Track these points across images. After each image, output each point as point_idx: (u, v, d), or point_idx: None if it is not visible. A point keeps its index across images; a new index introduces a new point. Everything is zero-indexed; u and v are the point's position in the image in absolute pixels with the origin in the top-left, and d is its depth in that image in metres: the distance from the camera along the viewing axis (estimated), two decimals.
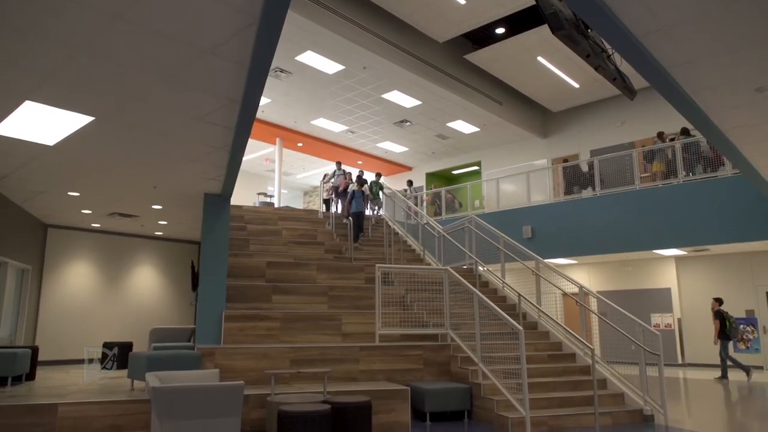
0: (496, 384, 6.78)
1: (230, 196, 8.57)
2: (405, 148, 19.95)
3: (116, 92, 5.16)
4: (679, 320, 14.57)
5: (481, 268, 10.88)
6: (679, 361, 14.22)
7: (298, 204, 25.35)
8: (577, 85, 16.17)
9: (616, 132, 16.81)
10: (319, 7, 11.30)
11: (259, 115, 16.06)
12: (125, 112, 5.62)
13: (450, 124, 17.39)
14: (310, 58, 12.78)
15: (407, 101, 15.37)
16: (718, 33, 4.25)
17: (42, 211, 11.02)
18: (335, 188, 15.30)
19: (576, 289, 8.78)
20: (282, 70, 13.40)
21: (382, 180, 16.20)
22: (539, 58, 14.55)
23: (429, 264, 11.75)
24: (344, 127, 17.67)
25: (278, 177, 18.50)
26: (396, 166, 21.89)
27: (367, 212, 14.21)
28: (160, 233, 13.87)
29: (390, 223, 12.66)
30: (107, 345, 10.46)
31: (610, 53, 6.53)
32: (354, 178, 14.57)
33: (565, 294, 9.14)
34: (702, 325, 13.88)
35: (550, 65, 14.89)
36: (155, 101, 5.37)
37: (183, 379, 5.52)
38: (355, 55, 12.68)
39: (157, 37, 4.23)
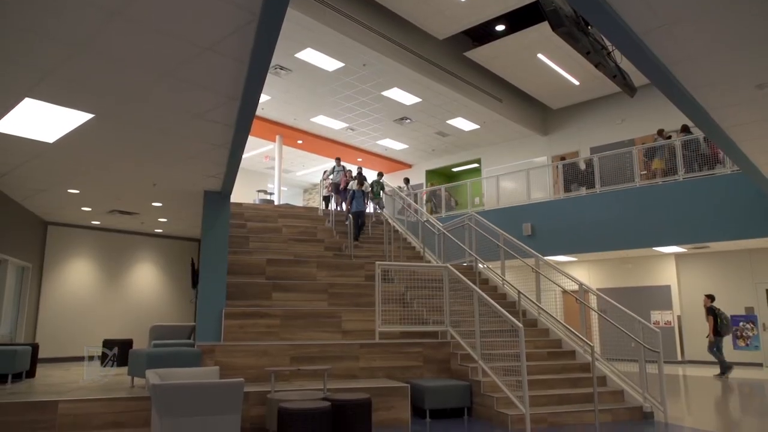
0: (496, 381, 6.79)
1: (230, 194, 8.56)
2: (405, 146, 19.93)
3: (116, 90, 5.16)
4: (679, 317, 14.58)
5: (481, 265, 10.88)
6: (679, 359, 14.23)
7: (298, 201, 25.35)
8: (577, 83, 16.15)
9: (616, 129, 16.80)
10: (319, 5, 11.28)
11: (258, 112, 16.04)
12: (125, 109, 5.61)
13: (450, 122, 17.37)
14: (309, 55, 12.76)
15: (407, 98, 15.35)
16: (719, 30, 4.24)
17: (42, 208, 11.02)
18: (335, 185, 15.27)
19: (576, 287, 8.78)
20: (282, 68, 13.38)
21: (383, 179, 16.11)
22: (539, 56, 14.53)
23: (429, 261, 11.75)
24: (344, 125, 17.66)
25: (278, 174, 18.49)
26: (396, 164, 21.87)
27: (369, 210, 14.14)
28: (160, 230, 13.88)
29: (390, 221, 12.65)
30: (107, 343, 10.46)
31: (611, 50, 6.53)
32: (354, 176, 14.47)
33: (564, 291, 9.14)
34: (702, 322, 13.81)
35: (551, 62, 14.87)
36: (155, 99, 5.36)
37: (183, 377, 5.53)
38: (355, 53, 12.66)
39: (157, 34, 4.22)
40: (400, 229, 13.32)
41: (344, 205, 14.60)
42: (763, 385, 10.12)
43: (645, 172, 12.62)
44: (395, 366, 7.81)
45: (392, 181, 20.16)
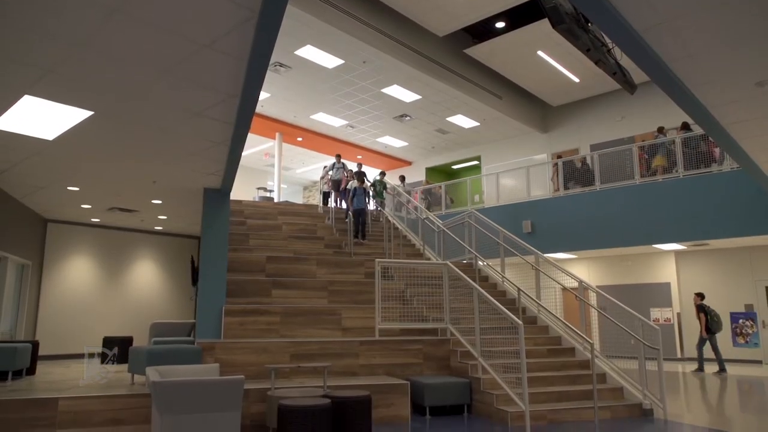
0: (496, 378, 6.80)
1: (230, 191, 8.56)
2: (405, 143, 19.92)
3: (115, 87, 5.15)
4: (679, 315, 14.59)
5: (480, 262, 10.88)
6: (678, 356, 14.25)
7: (298, 199, 25.35)
8: (577, 80, 16.14)
9: (616, 126, 16.78)
10: (318, 1, 11.26)
11: (258, 109, 16.03)
12: (125, 107, 5.60)
13: (450, 119, 17.36)
14: (309, 52, 12.74)
15: (407, 96, 15.34)
16: (719, 27, 4.24)
17: (42, 206, 11.02)
18: (335, 182, 15.24)
19: (575, 284, 8.79)
20: (281, 65, 13.36)
21: (386, 179, 16.02)
22: (539, 53, 14.51)
23: (429, 259, 11.76)
24: (344, 122, 17.64)
25: (278, 172, 18.48)
26: (396, 161, 21.85)
27: (371, 207, 14.06)
28: (160, 228, 13.88)
29: (390, 218, 12.64)
30: (108, 341, 10.46)
31: (611, 47, 6.51)
32: (354, 174, 14.43)
33: (564, 288, 9.15)
34: None
35: (550, 59, 14.85)
36: (154, 96, 5.36)
37: (183, 374, 5.53)
38: (355, 50, 12.65)
39: (157, 31, 4.22)
40: (399, 227, 13.32)
41: (344, 203, 14.57)
42: (762, 382, 10.14)
43: (642, 169, 12.62)
44: (395, 363, 7.82)
45: (390, 179, 20.14)
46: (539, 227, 13.85)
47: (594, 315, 8.53)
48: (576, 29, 5.62)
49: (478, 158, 20.28)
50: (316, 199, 20.44)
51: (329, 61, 13.18)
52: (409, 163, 22.27)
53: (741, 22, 4.16)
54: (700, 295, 12.06)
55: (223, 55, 4.57)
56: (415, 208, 13.39)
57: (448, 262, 8.87)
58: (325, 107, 16.37)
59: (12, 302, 11.28)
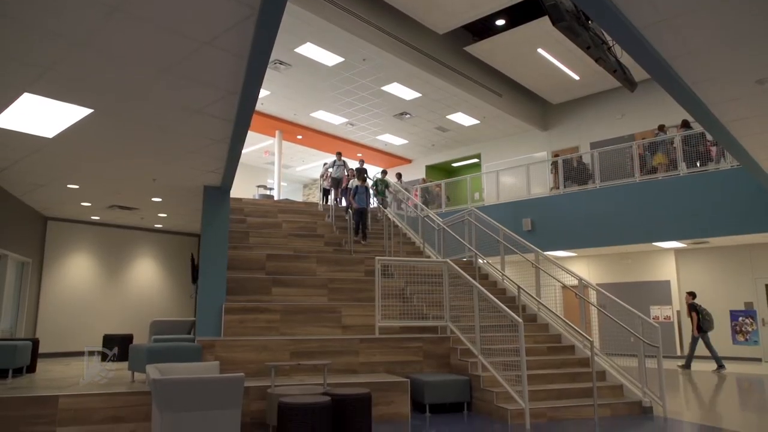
0: (496, 376, 6.81)
1: (230, 189, 8.56)
2: (405, 141, 19.91)
3: (115, 85, 5.15)
4: (678, 312, 14.60)
5: (480, 260, 10.89)
6: (678, 353, 14.26)
7: (298, 197, 25.35)
8: (577, 77, 16.12)
9: (616, 124, 16.77)
10: None
11: (258, 107, 16.02)
12: (124, 104, 5.60)
13: (450, 117, 17.35)
14: (309, 50, 12.72)
15: (407, 93, 15.32)
16: (719, 25, 4.23)
17: (42, 203, 11.02)
18: (337, 180, 15.20)
19: (575, 282, 8.79)
20: (281, 62, 13.35)
21: (387, 177, 15.95)
22: (539, 50, 14.49)
23: (429, 256, 11.75)
24: (344, 120, 17.63)
25: (278, 169, 18.48)
26: (396, 159, 21.84)
27: (373, 205, 14.00)
28: (160, 226, 13.88)
29: (390, 216, 12.63)
30: (108, 340, 10.47)
31: (611, 45, 6.50)
32: (355, 172, 14.36)
33: (564, 286, 9.15)
34: None
35: (551, 57, 14.83)
36: (154, 94, 5.35)
37: (183, 371, 5.53)
38: (355, 47, 12.63)
39: (156, 29, 4.21)
40: (399, 225, 13.31)
41: (344, 200, 14.55)
42: (762, 380, 10.15)
43: (641, 168, 12.63)
44: (395, 361, 7.82)
45: (391, 177, 20.11)
46: (539, 225, 13.85)
47: (594, 313, 8.54)
48: (576, 27, 5.61)
49: (478, 156, 20.27)
50: (316, 197, 20.43)
51: (329, 58, 13.16)
52: (409, 161, 22.25)
53: (741, 20, 4.16)
54: (692, 294, 12.13)
55: (223, 52, 4.57)
56: (415, 205, 13.38)
57: (448, 260, 8.87)
58: (325, 105, 16.36)
59: (12, 300, 11.29)
